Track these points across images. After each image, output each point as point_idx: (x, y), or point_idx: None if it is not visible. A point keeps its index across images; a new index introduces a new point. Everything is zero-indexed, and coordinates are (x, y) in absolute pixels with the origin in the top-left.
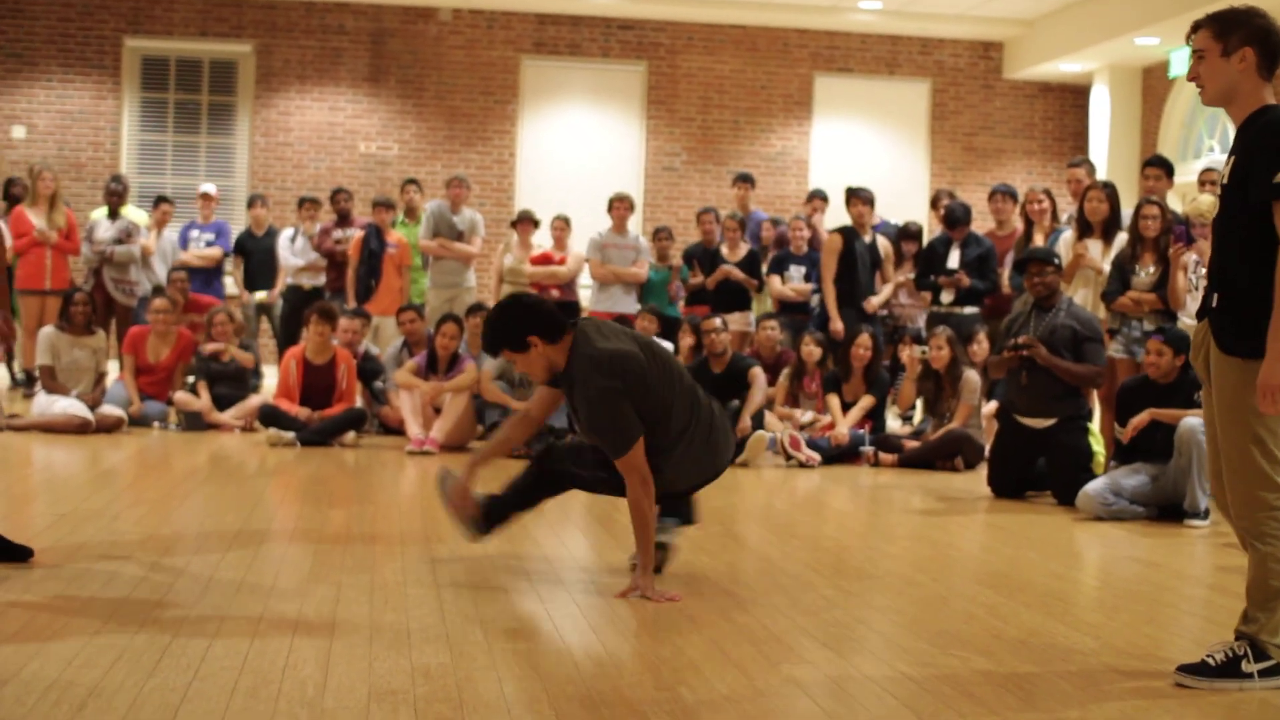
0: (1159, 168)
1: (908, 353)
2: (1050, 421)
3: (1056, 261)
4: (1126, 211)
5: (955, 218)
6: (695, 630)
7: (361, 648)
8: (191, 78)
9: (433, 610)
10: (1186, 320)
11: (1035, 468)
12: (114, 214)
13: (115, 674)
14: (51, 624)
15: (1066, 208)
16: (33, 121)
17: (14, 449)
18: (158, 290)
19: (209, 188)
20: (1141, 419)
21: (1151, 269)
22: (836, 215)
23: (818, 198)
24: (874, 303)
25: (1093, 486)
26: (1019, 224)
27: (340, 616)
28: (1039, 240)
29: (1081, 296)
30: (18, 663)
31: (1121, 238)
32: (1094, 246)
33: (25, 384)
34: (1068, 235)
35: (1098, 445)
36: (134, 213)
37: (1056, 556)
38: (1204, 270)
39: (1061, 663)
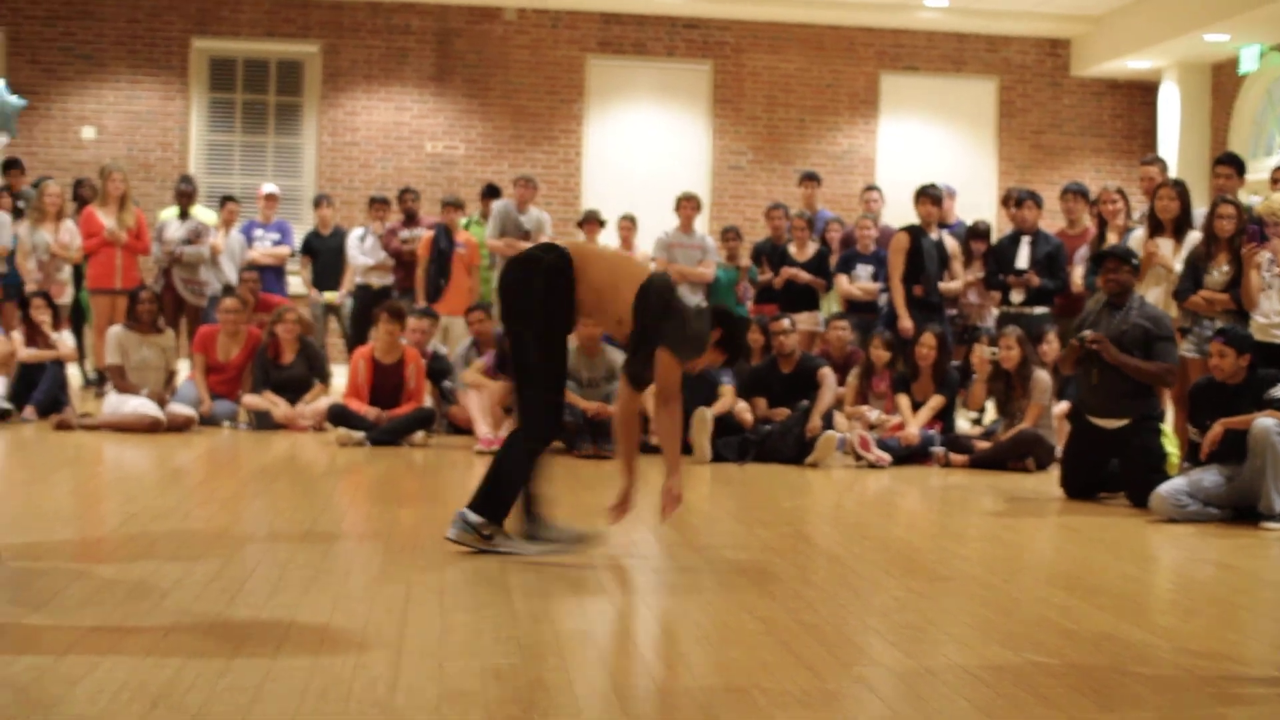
0: (1230, 166)
1: (979, 353)
2: (1123, 422)
3: (1134, 261)
4: (1199, 210)
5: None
6: (766, 631)
7: (432, 648)
8: (258, 78)
9: (503, 610)
10: (1259, 319)
11: (1108, 469)
12: (184, 214)
13: (186, 674)
14: (123, 623)
15: (1138, 206)
16: (102, 122)
17: (86, 448)
18: (227, 290)
19: (271, 188)
20: (1215, 433)
21: (1225, 268)
22: (896, 212)
23: (872, 190)
24: (953, 287)
25: (1166, 488)
26: (1089, 223)
27: (410, 617)
28: (1112, 240)
29: (1154, 296)
30: (90, 662)
31: (1193, 236)
32: (1165, 245)
33: (97, 383)
34: (1139, 234)
35: (1171, 446)
36: (203, 212)
37: (1130, 558)
38: (1278, 269)
39: (1136, 666)
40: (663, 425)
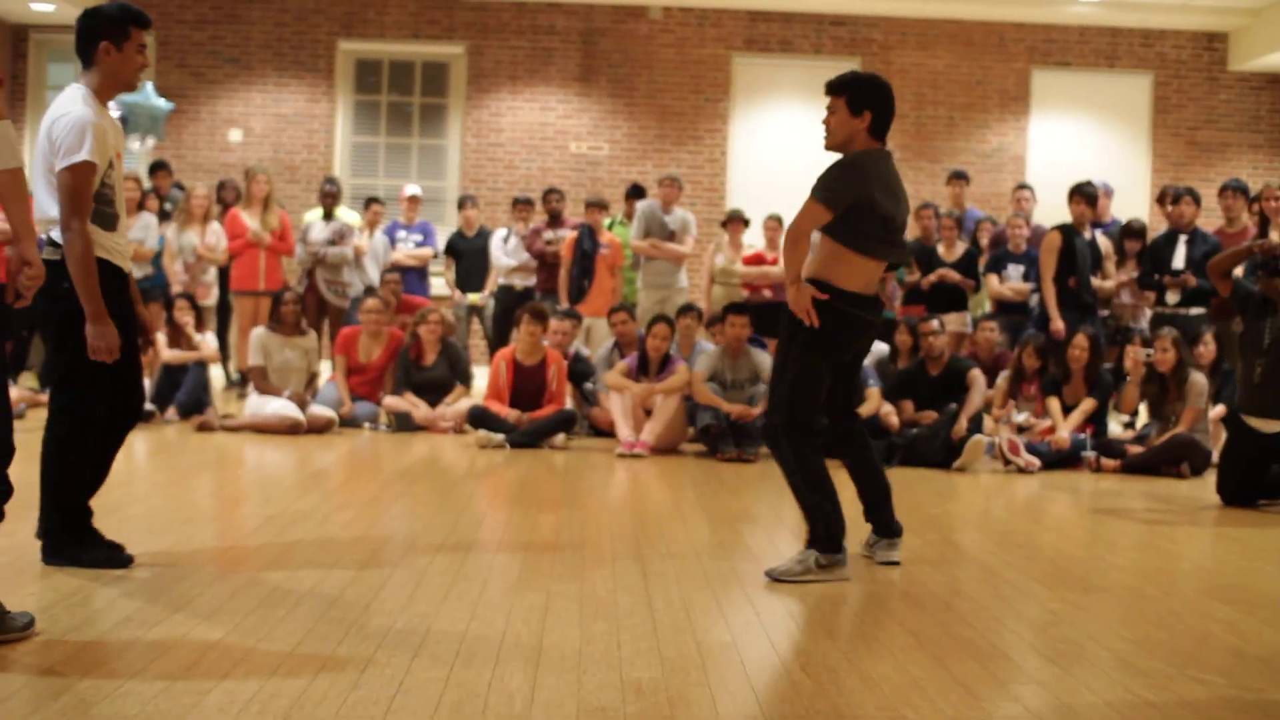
0: None
1: (1132, 356)
2: None
3: None
4: None
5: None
6: (917, 645)
7: (570, 661)
8: (404, 80)
9: (644, 621)
10: None
11: (1268, 474)
12: (328, 215)
13: (319, 684)
14: (258, 629)
15: None
16: (249, 125)
17: (227, 449)
18: (369, 291)
19: (414, 189)
20: None
21: None
22: (1048, 211)
23: (1023, 188)
24: (1105, 286)
25: None
26: (1249, 221)
27: (548, 627)
28: (1275, 238)
29: None
30: (222, 670)
31: None
32: None
33: (239, 384)
34: None
35: None
36: (347, 214)
37: None
38: None
39: None
40: (785, 260)
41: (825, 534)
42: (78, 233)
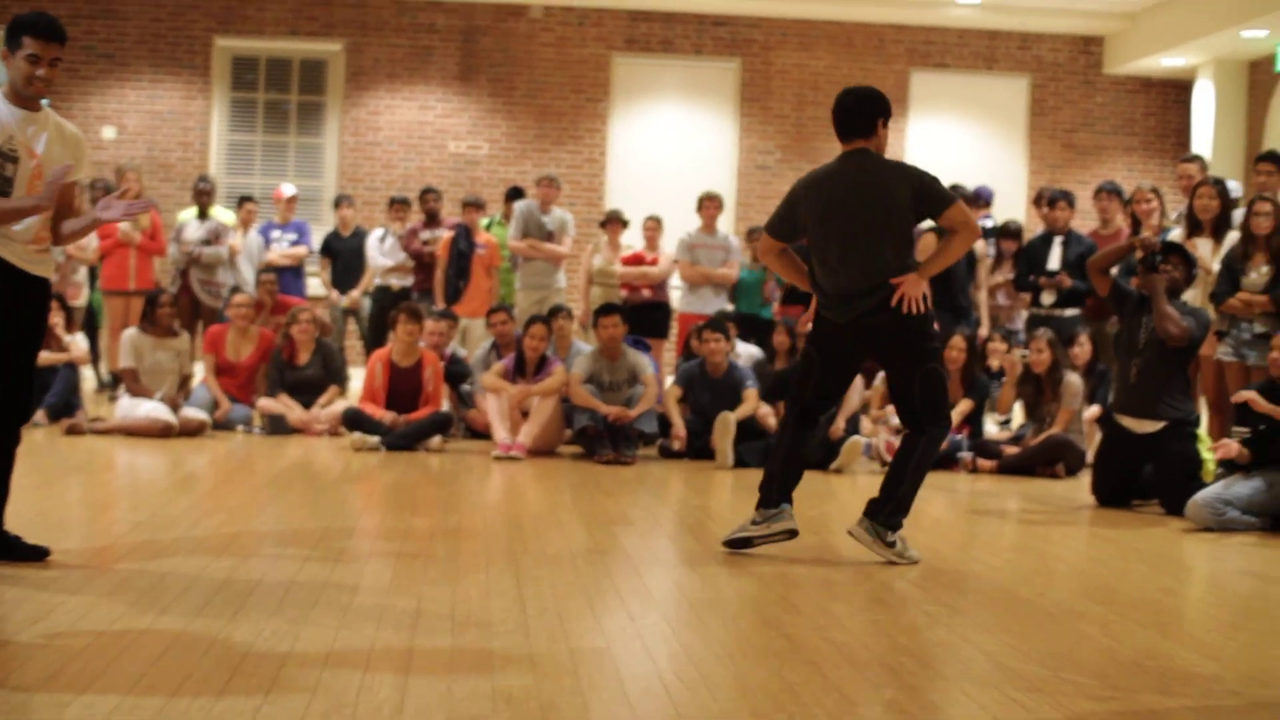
0: (1271, 163)
1: (1001, 355)
2: (1158, 425)
3: (1195, 271)
4: (1237, 211)
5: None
6: (793, 651)
7: (441, 668)
8: (281, 77)
9: (517, 627)
10: None
11: (1141, 475)
12: (203, 214)
13: (183, 695)
14: (120, 640)
15: (1173, 206)
16: (123, 122)
17: (97, 453)
18: (236, 290)
19: (290, 189)
20: (1245, 397)
21: (1264, 269)
22: None
23: None
24: (984, 325)
25: (1203, 496)
26: (1123, 223)
27: (420, 633)
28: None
29: (1191, 297)
30: (83, 682)
31: (1232, 236)
32: (1203, 245)
33: (110, 386)
34: (1176, 234)
35: (1207, 452)
36: (222, 213)
37: (1167, 570)
38: None
39: (1182, 688)
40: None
41: (768, 492)
42: None
